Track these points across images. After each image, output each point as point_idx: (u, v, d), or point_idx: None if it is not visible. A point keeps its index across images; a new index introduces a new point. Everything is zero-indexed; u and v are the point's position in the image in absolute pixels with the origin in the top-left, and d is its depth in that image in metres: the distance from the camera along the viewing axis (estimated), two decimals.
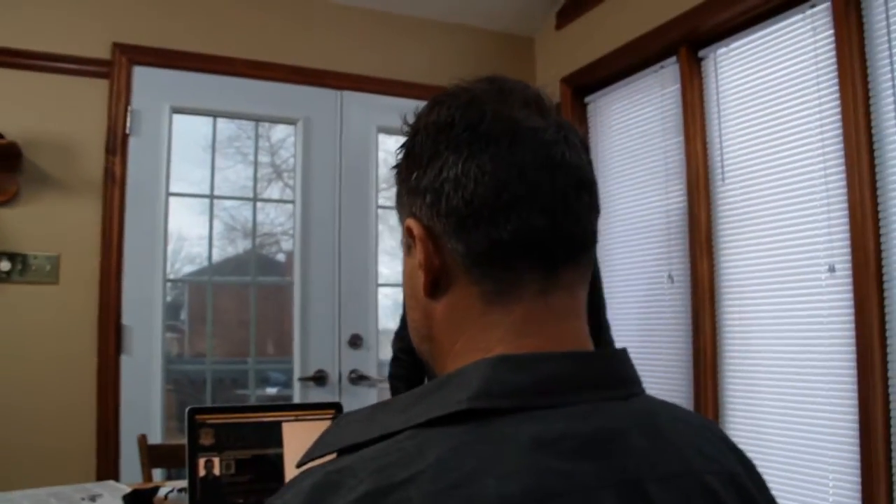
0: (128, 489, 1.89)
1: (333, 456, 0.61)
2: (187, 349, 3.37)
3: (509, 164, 0.65)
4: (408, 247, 0.72)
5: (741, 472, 0.68)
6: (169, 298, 3.22)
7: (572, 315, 0.69)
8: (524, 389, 0.60)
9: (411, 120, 0.74)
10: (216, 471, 1.65)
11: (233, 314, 3.45)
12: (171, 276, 3.27)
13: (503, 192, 0.65)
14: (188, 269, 3.38)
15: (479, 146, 0.66)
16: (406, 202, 0.71)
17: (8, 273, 2.84)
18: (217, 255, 3.38)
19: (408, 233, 0.70)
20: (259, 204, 3.44)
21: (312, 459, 0.62)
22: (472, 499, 0.52)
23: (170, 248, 3.20)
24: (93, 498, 1.80)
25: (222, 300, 3.48)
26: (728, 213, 2.85)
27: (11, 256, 2.85)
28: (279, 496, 0.57)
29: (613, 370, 0.66)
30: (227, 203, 3.39)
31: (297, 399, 3.27)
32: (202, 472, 1.65)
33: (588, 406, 0.61)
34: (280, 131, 3.50)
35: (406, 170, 0.71)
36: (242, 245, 3.44)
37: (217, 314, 3.38)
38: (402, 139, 0.74)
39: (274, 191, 3.52)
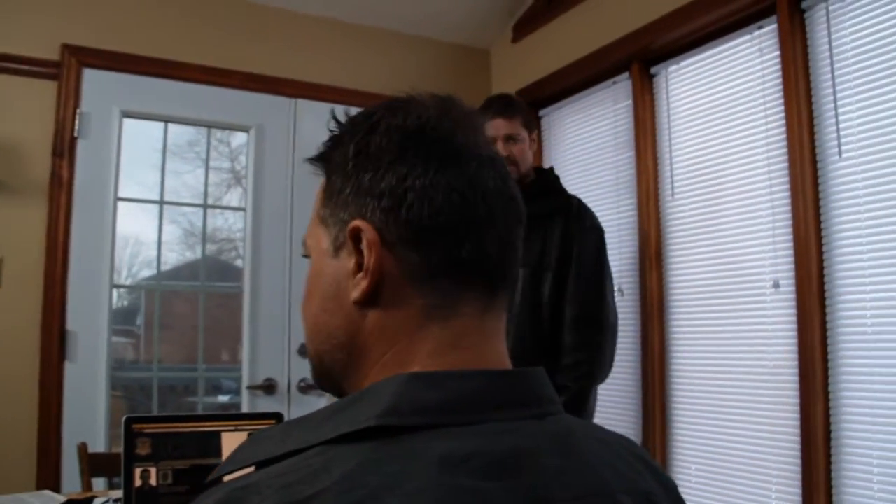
0: (63, 499, 1.85)
1: (251, 470, 0.60)
2: (143, 355, 3.31)
3: (475, 186, 0.66)
4: (337, 248, 0.69)
5: (658, 491, 0.68)
6: (125, 303, 3.17)
7: (497, 336, 0.70)
8: (435, 407, 0.59)
9: (349, 115, 0.72)
10: (153, 481, 1.63)
11: (187, 320, 3.40)
12: (128, 281, 3.21)
13: (469, 212, 0.65)
14: (145, 273, 3.32)
15: (451, 161, 0.66)
16: (351, 201, 0.68)
17: None
18: (175, 260, 3.34)
19: (352, 234, 0.66)
20: (218, 209, 3.40)
21: (222, 476, 0.61)
22: None
23: (127, 252, 3.15)
24: None
25: (178, 306, 3.43)
26: (677, 228, 2.89)
27: None
28: None
29: (529, 389, 0.66)
30: (187, 208, 3.34)
31: (245, 408, 3.23)
32: (138, 482, 1.62)
33: (501, 424, 0.61)
34: (240, 137, 3.45)
35: (355, 167, 0.68)
36: (201, 250, 3.40)
37: (172, 320, 3.33)
38: (331, 133, 0.72)
39: (234, 196, 3.48)
